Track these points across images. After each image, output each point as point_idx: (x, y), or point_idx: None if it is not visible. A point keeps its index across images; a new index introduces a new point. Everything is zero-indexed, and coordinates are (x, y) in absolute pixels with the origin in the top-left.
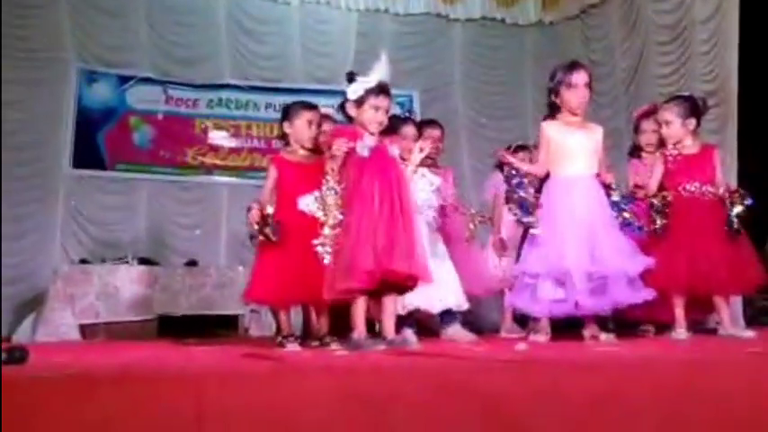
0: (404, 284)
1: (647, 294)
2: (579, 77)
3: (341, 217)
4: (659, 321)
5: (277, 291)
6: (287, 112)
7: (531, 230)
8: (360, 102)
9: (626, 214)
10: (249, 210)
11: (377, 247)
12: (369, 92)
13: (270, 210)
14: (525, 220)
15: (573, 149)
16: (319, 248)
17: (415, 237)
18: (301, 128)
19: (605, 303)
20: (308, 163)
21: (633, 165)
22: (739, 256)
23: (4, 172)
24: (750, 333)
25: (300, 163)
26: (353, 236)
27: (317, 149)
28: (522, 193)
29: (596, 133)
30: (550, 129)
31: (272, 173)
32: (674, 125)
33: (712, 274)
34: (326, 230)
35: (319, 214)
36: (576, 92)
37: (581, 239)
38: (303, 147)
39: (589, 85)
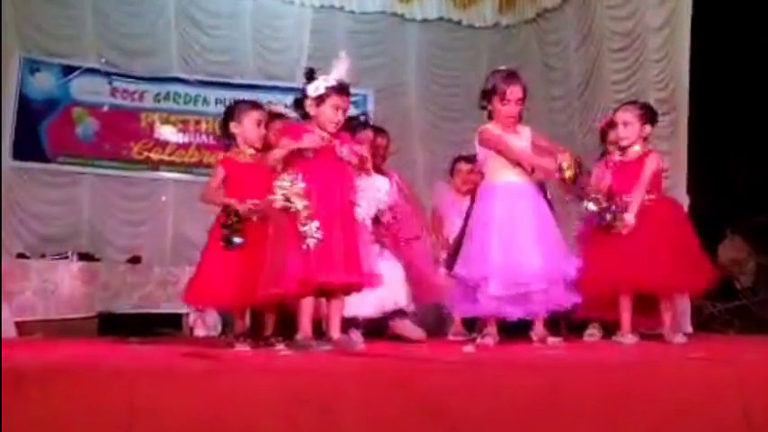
0: (346, 290)
1: (574, 300)
2: (513, 93)
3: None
4: (608, 321)
5: (220, 293)
6: (233, 112)
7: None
8: (320, 99)
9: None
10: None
11: (312, 254)
12: (331, 90)
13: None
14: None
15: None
16: (310, 234)
17: (359, 242)
18: (251, 128)
19: (527, 311)
20: (256, 163)
21: (599, 168)
22: (689, 256)
23: None
24: (681, 338)
25: (249, 164)
26: (287, 240)
27: (263, 149)
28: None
29: (526, 135)
30: (495, 129)
31: (220, 172)
32: (633, 127)
33: (660, 272)
34: (304, 218)
35: (285, 204)
36: (507, 107)
37: (506, 245)
38: (252, 147)
39: (522, 100)
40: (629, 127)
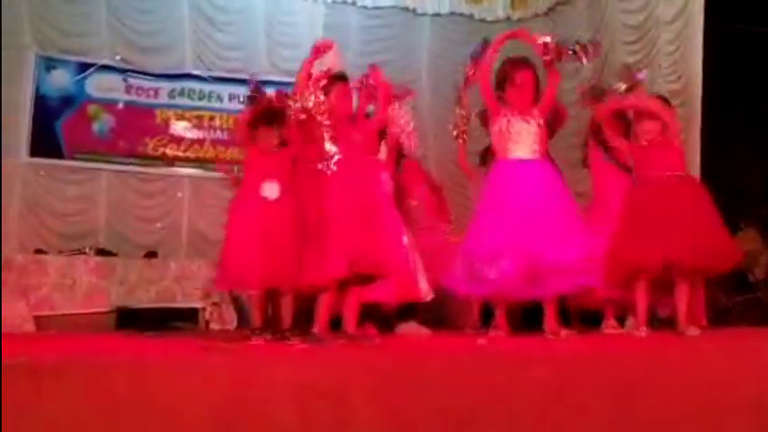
0: (374, 276)
1: (587, 280)
2: (524, 77)
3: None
4: (624, 304)
5: (245, 274)
6: None
7: None
8: (326, 92)
9: None
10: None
11: (349, 240)
12: (334, 79)
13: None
14: None
15: (517, 134)
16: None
17: (387, 227)
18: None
19: (542, 292)
20: (278, 152)
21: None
22: (711, 234)
23: None
24: (694, 331)
25: (271, 153)
26: (327, 229)
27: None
28: None
29: (534, 116)
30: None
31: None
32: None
33: (683, 248)
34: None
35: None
36: (517, 90)
37: (520, 224)
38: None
39: (535, 82)
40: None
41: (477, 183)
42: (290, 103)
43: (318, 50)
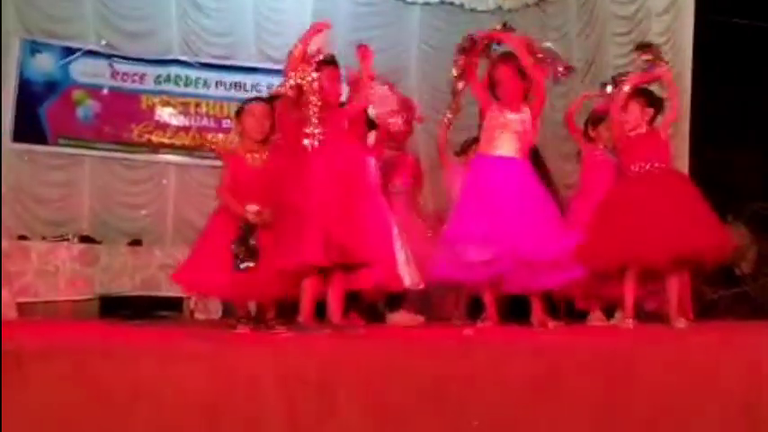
0: (357, 263)
1: (573, 274)
2: (501, 73)
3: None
4: (610, 300)
5: (216, 281)
6: (237, 111)
7: None
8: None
9: None
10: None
11: (328, 226)
12: (323, 63)
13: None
14: None
15: (501, 132)
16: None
17: (370, 215)
18: (250, 123)
19: (532, 285)
20: (263, 167)
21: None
22: (702, 222)
23: None
24: (682, 323)
25: (256, 168)
26: (304, 214)
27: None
28: None
29: (523, 113)
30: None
31: (230, 169)
32: (634, 111)
33: (673, 241)
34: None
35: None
36: (500, 87)
37: (508, 218)
38: (255, 140)
39: (516, 77)
40: (629, 111)
41: (450, 172)
42: (285, 83)
43: (316, 30)
